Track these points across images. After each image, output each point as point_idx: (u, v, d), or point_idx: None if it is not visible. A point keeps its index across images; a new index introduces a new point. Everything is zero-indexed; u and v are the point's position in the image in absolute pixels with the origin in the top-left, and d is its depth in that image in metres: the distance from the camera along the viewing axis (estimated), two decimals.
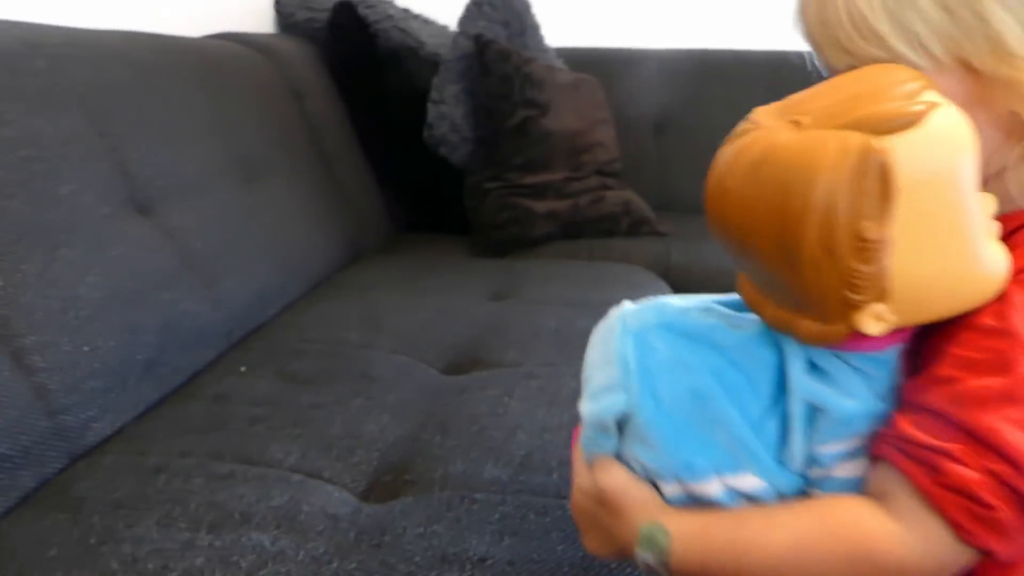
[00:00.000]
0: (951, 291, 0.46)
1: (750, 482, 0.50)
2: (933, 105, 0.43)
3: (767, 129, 0.46)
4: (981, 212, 0.45)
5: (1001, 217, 0.48)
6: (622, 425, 0.52)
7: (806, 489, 0.50)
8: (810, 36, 0.55)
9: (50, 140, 0.94)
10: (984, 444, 0.43)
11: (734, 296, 0.54)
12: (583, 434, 0.56)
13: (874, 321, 0.45)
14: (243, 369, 1.01)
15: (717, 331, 0.52)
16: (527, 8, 1.91)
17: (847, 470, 0.49)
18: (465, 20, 1.82)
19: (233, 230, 1.23)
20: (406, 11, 1.96)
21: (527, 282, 1.46)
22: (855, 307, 0.44)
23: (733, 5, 2.31)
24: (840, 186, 0.42)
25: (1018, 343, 0.44)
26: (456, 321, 1.23)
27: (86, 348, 0.86)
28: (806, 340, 0.48)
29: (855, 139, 0.42)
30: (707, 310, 0.54)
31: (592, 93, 1.92)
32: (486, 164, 1.76)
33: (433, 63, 1.82)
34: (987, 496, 0.43)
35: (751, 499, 0.50)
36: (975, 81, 0.51)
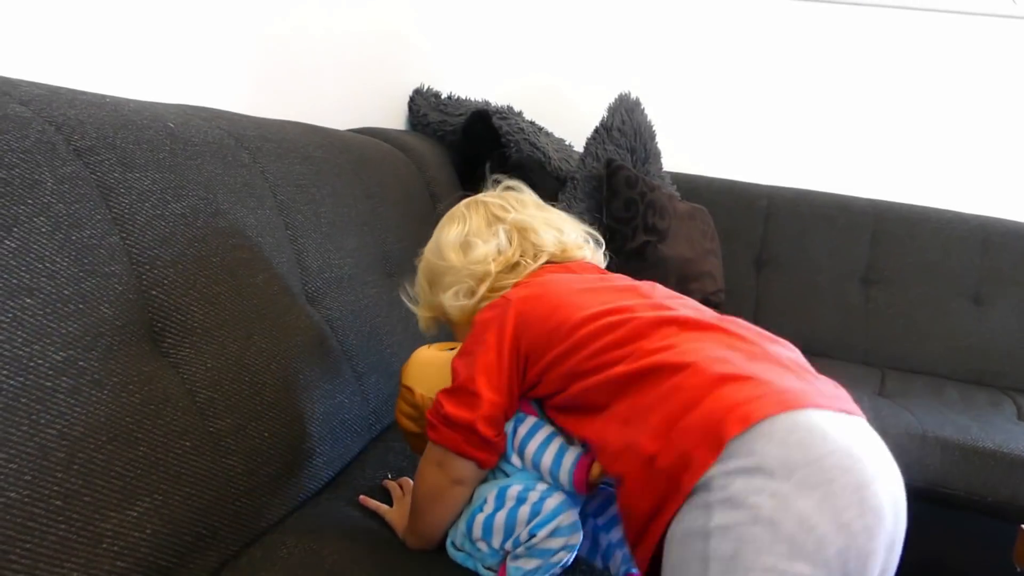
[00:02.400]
0: None
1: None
2: (419, 353, 0.97)
3: None
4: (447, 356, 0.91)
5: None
6: None
7: None
8: None
9: (252, 230, 1.00)
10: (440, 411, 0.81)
11: None
12: None
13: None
14: (390, 476, 1.04)
15: None
16: (652, 137, 1.99)
17: None
18: (592, 142, 1.90)
19: (377, 324, 1.27)
20: (534, 124, 2.06)
21: None
22: None
23: (837, 151, 2.38)
24: (401, 401, 0.96)
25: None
26: None
27: (266, 434, 0.90)
28: None
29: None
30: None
31: (705, 223, 1.98)
32: None
33: (556, 178, 1.89)
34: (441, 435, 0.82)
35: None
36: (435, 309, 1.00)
